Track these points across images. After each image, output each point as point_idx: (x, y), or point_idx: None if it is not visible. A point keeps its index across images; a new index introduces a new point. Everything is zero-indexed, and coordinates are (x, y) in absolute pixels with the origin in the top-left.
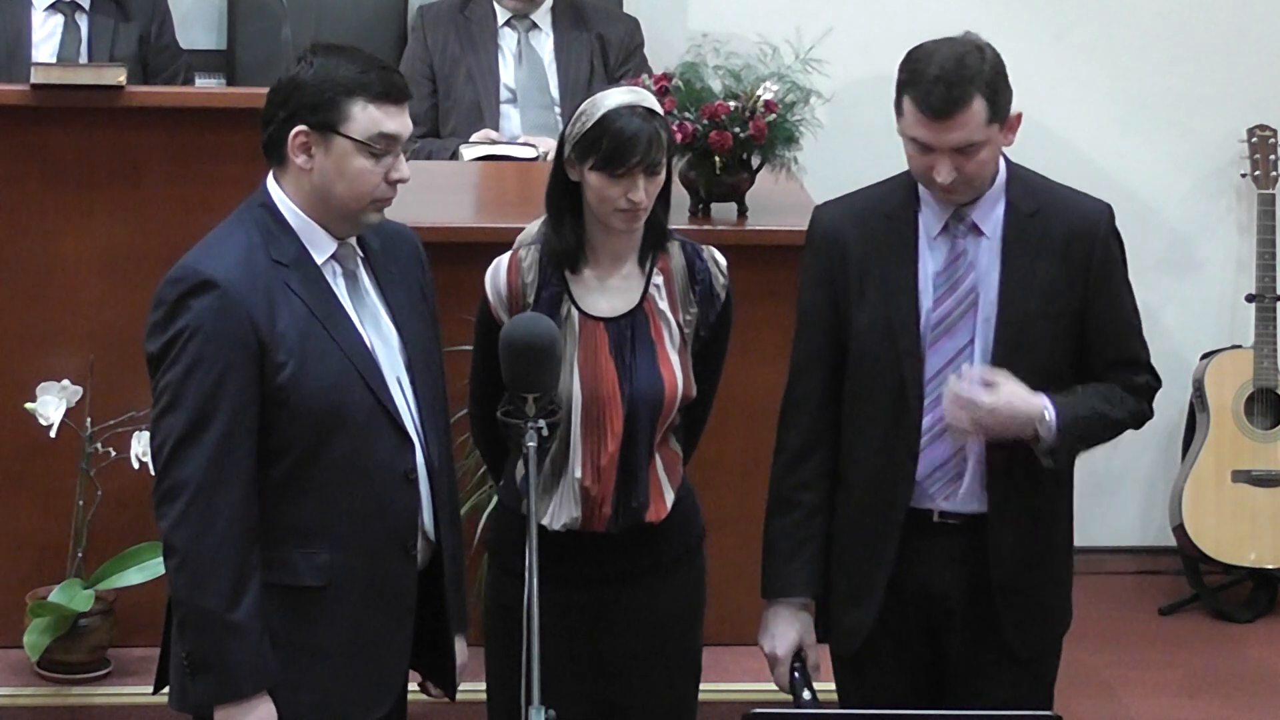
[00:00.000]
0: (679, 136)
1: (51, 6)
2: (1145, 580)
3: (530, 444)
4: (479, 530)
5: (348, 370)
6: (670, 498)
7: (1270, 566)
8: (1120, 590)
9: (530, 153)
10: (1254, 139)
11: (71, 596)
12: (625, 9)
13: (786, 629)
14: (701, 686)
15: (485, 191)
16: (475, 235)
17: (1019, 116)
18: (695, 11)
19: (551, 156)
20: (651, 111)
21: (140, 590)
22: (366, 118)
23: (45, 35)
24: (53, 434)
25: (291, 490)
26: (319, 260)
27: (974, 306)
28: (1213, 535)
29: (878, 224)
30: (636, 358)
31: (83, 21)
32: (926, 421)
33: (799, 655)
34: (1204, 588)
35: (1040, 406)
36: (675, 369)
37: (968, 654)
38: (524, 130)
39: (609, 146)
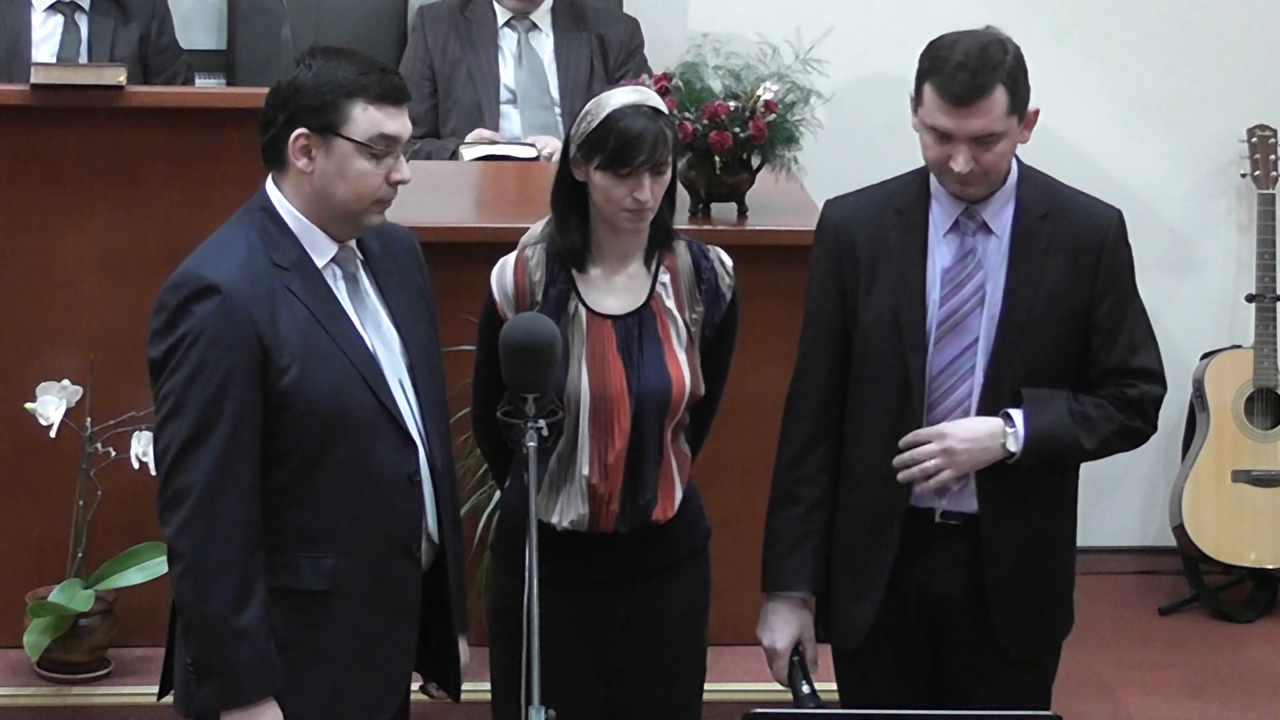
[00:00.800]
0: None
1: (51, 7)
2: (1145, 580)
3: (530, 444)
4: (479, 530)
5: (350, 373)
6: (679, 498)
7: (1270, 566)
8: (1120, 590)
9: (530, 153)
10: (1254, 139)
11: (71, 596)
12: (625, 9)
13: (786, 623)
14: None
15: (485, 191)
16: (475, 235)
17: (1036, 114)
18: (695, 11)
19: (550, 156)
20: (657, 111)
21: (140, 590)
22: (367, 119)
23: (45, 35)
24: (53, 434)
25: (295, 494)
26: (320, 263)
27: (980, 305)
28: (1213, 535)
29: (889, 219)
30: (644, 355)
31: (83, 22)
32: (930, 418)
33: (797, 650)
34: (1204, 588)
35: (998, 424)
36: (683, 366)
37: (967, 655)
38: (524, 131)
39: (614, 146)
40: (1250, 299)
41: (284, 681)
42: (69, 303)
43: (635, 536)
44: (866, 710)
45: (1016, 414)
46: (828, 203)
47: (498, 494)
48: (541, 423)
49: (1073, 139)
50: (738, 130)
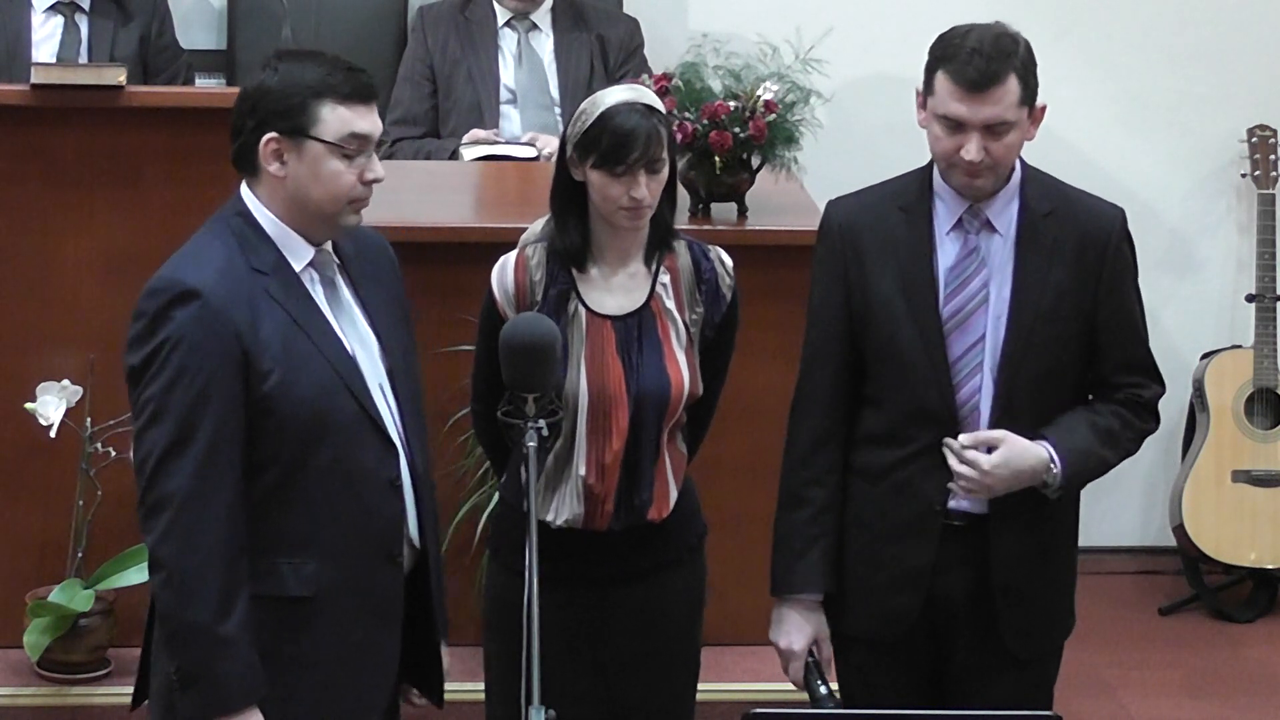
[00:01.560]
0: (679, 137)
1: (51, 7)
2: (1145, 580)
3: (530, 444)
4: (479, 530)
5: (332, 378)
6: (674, 497)
7: (1270, 566)
8: (1120, 590)
9: (530, 152)
10: (1254, 139)
11: (71, 596)
12: (625, 9)
13: (802, 624)
14: (701, 686)
15: (485, 191)
16: (475, 235)
17: (1044, 110)
18: (695, 11)
19: (550, 154)
20: (651, 108)
21: (140, 590)
22: (336, 119)
23: (45, 36)
24: (53, 434)
25: (278, 500)
26: (297, 268)
27: (985, 303)
28: (1213, 535)
29: (893, 215)
30: (643, 356)
31: (83, 22)
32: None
33: (812, 651)
34: (1204, 588)
35: (1044, 459)
36: (682, 367)
37: (970, 655)
38: (524, 132)
39: (609, 144)
40: (1250, 299)
41: (268, 690)
42: (69, 303)
43: (630, 535)
44: (867, 710)
45: (1051, 448)
46: (830, 203)
47: (498, 494)
48: (542, 423)
49: (1073, 139)
50: (738, 130)
